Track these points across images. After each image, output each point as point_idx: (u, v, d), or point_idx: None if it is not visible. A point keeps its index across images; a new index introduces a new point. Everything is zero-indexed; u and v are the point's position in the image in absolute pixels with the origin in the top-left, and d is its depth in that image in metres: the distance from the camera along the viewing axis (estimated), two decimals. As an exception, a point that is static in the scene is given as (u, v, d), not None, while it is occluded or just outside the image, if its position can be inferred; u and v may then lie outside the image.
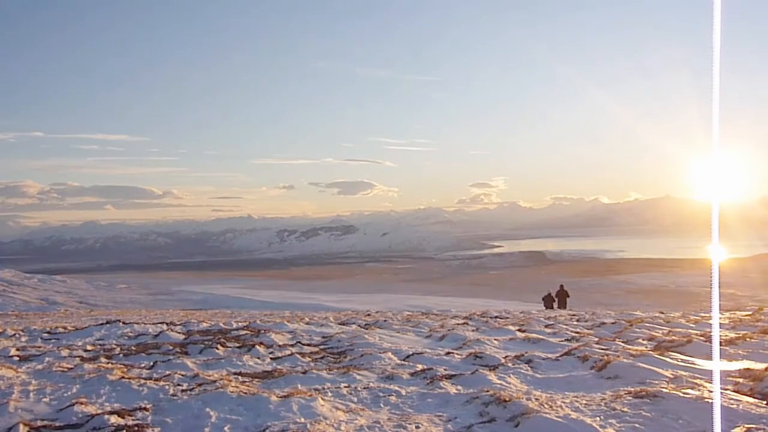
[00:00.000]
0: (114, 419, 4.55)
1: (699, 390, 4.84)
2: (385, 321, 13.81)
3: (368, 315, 18.75)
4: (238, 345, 8.80)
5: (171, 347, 8.57)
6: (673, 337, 8.57)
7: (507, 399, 4.79)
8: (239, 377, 6.33)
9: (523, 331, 10.63)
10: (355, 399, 5.34)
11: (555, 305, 24.60)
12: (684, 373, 5.76)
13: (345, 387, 5.75)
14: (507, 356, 7.44)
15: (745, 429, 3.86)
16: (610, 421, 4.30)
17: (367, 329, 11.10)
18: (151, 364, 7.23)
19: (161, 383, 5.83)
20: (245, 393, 5.22)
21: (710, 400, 4.43)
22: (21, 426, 4.39)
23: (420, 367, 6.74)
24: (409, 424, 4.50)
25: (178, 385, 5.82)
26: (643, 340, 8.95)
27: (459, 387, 5.68)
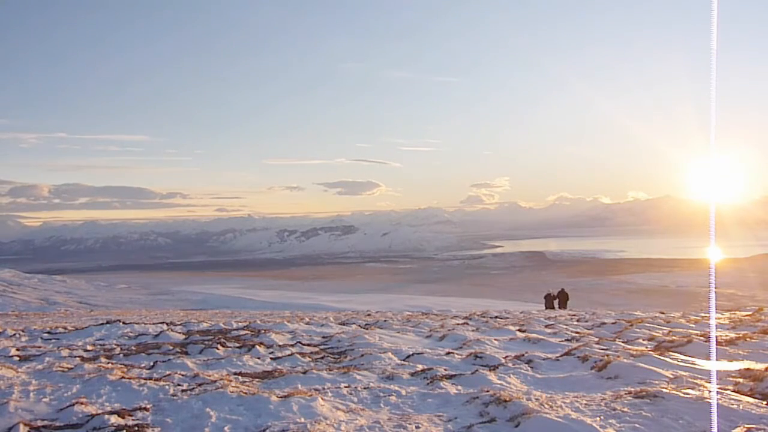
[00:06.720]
0: (114, 419, 4.55)
1: (699, 390, 4.85)
2: (385, 321, 13.82)
3: (368, 315, 18.75)
4: (238, 345, 8.80)
5: (171, 347, 8.57)
6: (674, 337, 8.57)
7: (507, 399, 4.79)
8: (239, 377, 6.33)
9: (524, 331, 10.64)
10: (355, 399, 5.35)
11: (556, 305, 24.62)
12: (684, 373, 5.76)
13: (345, 387, 5.75)
14: (507, 356, 7.45)
15: (745, 429, 3.87)
16: (610, 421, 4.30)
17: (367, 329, 11.10)
18: (151, 364, 7.23)
19: (161, 383, 5.83)
20: (245, 393, 5.23)
21: (710, 401, 4.43)
22: (21, 426, 4.39)
23: (420, 367, 6.74)
24: (410, 424, 4.51)
25: (178, 385, 5.82)
26: (644, 340, 8.95)
27: (459, 387, 5.69)
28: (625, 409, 4.53)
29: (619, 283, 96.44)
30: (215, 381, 5.86)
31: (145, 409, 4.92)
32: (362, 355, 7.53)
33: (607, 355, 6.68)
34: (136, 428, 4.42)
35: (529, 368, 6.59)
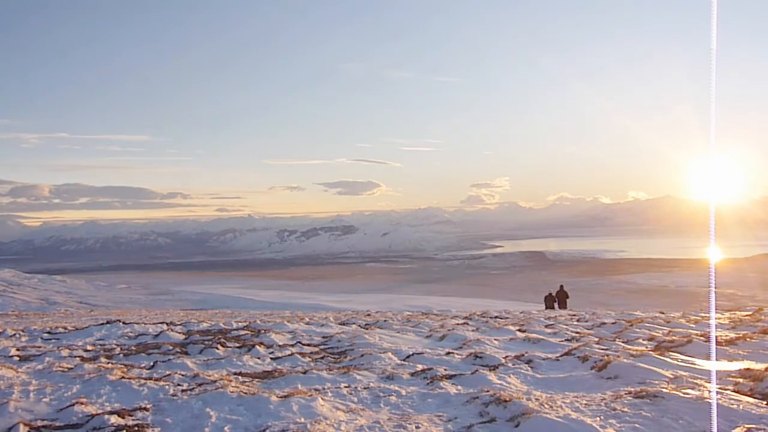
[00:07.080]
0: (114, 419, 4.55)
1: (699, 390, 4.85)
2: (385, 321, 13.81)
3: (368, 315, 18.74)
4: (238, 345, 8.80)
5: (171, 347, 8.57)
6: (673, 337, 8.57)
7: (507, 399, 4.79)
8: (239, 377, 6.33)
9: (524, 331, 10.64)
10: (355, 399, 5.35)
11: (556, 306, 24.59)
12: (684, 373, 5.76)
13: (345, 387, 5.75)
14: (507, 356, 7.45)
15: (745, 429, 3.87)
16: (610, 421, 4.30)
17: (367, 329, 11.10)
18: (151, 364, 7.23)
19: (161, 383, 5.83)
20: (245, 393, 5.23)
21: (711, 401, 4.43)
22: (21, 426, 4.39)
23: (420, 367, 6.74)
24: (410, 424, 4.51)
25: (178, 385, 5.82)
26: (644, 340, 8.95)
27: (459, 387, 5.69)
28: (625, 409, 4.52)
29: (619, 283, 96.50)
30: (215, 381, 5.85)
31: (145, 409, 4.92)
32: (362, 355, 7.53)
33: (607, 355, 6.68)
34: (136, 428, 4.42)
35: (529, 368, 6.59)
